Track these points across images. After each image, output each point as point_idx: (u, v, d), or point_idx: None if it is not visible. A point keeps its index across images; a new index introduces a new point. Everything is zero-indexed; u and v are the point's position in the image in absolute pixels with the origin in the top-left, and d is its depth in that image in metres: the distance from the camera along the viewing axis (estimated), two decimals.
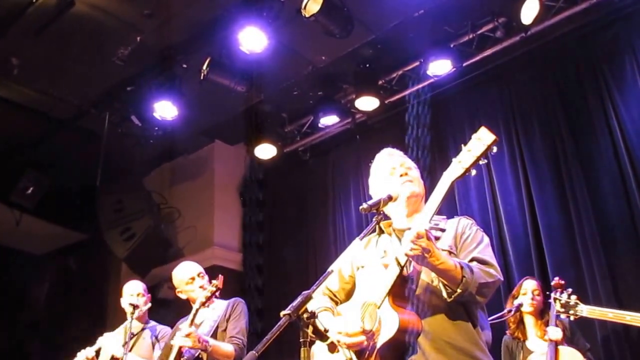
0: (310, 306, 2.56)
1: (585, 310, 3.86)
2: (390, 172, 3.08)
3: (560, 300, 3.97)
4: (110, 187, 7.48)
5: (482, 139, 2.63)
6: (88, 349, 4.75)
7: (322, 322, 2.80)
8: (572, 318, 3.93)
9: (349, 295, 3.04)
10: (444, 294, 2.67)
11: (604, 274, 5.49)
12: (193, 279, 4.59)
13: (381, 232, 3.01)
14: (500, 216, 6.21)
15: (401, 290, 2.71)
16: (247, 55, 6.19)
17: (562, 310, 3.93)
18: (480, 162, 2.63)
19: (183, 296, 4.62)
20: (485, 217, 6.28)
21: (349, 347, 2.67)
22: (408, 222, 2.93)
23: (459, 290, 2.61)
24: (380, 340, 2.62)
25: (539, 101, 6.35)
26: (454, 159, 2.68)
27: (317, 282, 2.68)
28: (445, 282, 2.65)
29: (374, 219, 2.93)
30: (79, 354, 4.73)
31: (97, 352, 4.74)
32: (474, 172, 2.66)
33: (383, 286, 2.68)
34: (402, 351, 2.64)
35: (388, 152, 3.24)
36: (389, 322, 2.61)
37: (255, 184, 8.32)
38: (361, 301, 2.83)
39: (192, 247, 8.17)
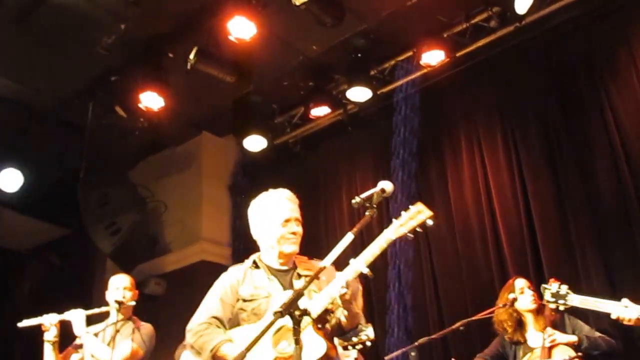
0: (213, 341, 2.97)
1: (577, 300, 3.75)
2: (284, 223, 3.21)
3: (549, 289, 3.85)
4: (95, 181, 7.31)
5: (421, 213, 3.01)
6: (53, 315, 4.73)
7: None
8: (561, 308, 3.83)
9: (230, 323, 3.17)
10: (337, 331, 3.06)
11: (598, 267, 5.49)
12: None
13: (256, 266, 3.27)
14: (495, 210, 6.15)
15: (321, 320, 2.97)
16: (235, 45, 6.05)
17: (552, 300, 3.83)
18: (418, 230, 3.00)
19: None
20: (479, 211, 6.24)
21: None
22: (280, 265, 3.26)
23: (349, 334, 3.19)
24: None
25: (534, 92, 6.29)
26: (395, 220, 3.00)
27: (308, 279, 2.77)
28: (347, 321, 3.00)
29: (366, 212, 2.92)
30: (43, 316, 4.74)
31: (63, 323, 4.76)
32: (410, 235, 3.01)
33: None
34: None
35: (288, 196, 3.32)
36: (314, 347, 2.86)
37: (245, 176, 8.18)
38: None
39: (179, 242, 8.03)
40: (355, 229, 2.92)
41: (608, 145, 5.66)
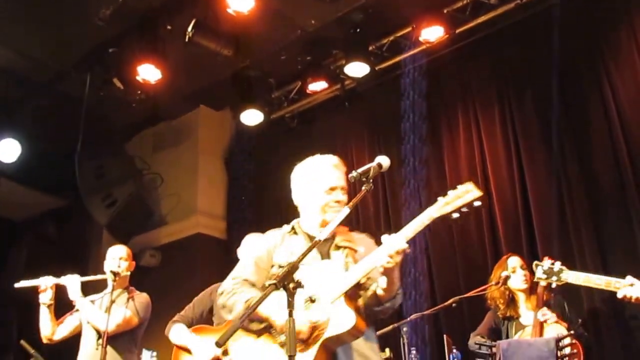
0: (244, 297, 2.89)
1: (572, 276, 3.71)
2: (328, 191, 3.10)
3: (541, 266, 3.83)
4: (91, 152, 7.29)
5: (469, 192, 2.84)
6: (49, 277, 4.81)
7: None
8: (554, 285, 3.80)
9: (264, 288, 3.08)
10: (374, 302, 2.94)
11: (592, 247, 5.47)
12: None
13: (294, 232, 3.18)
14: (491, 188, 6.14)
15: (353, 293, 2.90)
16: (234, 18, 6.02)
17: (544, 277, 3.80)
18: (464, 210, 2.85)
19: (240, 256, 4.65)
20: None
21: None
22: (319, 232, 3.04)
23: (387, 305, 2.93)
24: (329, 332, 2.78)
25: (533, 71, 6.25)
26: (440, 198, 2.86)
27: (304, 252, 2.70)
28: (384, 293, 2.89)
29: (363, 187, 2.89)
30: (39, 278, 4.82)
31: (59, 289, 4.83)
32: (456, 214, 2.86)
33: (339, 284, 2.84)
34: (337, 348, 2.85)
35: (335, 162, 3.22)
36: (343, 319, 2.79)
37: (241, 150, 8.17)
38: (302, 296, 2.91)
39: (175, 214, 8.06)
40: (351, 204, 2.92)
41: (606, 124, 5.62)
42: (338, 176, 3.15)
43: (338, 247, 3.09)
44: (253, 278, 3.06)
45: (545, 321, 4.55)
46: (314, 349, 2.78)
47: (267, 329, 2.93)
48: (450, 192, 2.85)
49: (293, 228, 3.19)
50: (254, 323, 2.95)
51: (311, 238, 3.11)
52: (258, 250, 3.16)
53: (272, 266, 3.08)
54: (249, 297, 2.93)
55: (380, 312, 3.00)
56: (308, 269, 2.94)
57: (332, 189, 3.10)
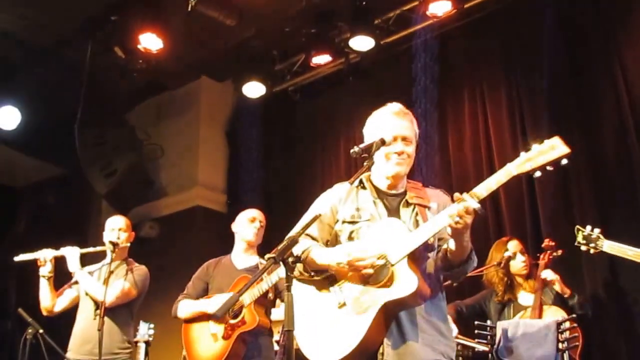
0: (298, 248, 2.70)
1: (607, 245, 3.86)
2: (389, 142, 2.90)
3: (583, 231, 3.94)
4: (92, 121, 7.22)
5: (555, 149, 2.66)
6: (48, 250, 4.81)
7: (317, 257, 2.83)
8: (591, 251, 3.95)
9: (329, 245, 2.98)
10: (443, 266, 2.84)
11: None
12: (254, 219, 4.73)
13: (362, 186, 3.02)
14: (495, 166, 6.06)
15: (419, 255, 2.77)
16: None
17: (584, 242, 3.94)
18: (548, 168, 2.66)
19: (235, 229, 4.80)
20: (479, 167, 6.17)
21: (358, 267, 2.70)
22: (388, 188, 2.99)
23: (458, 269, 2.81)
24: (390, 296, 2.66)
25: (541, 48, 6.11)
26: (522, 153, 2.68)
27: (303, 226, 2.67)
28: (453, 257, 2.78)
29: (364, 163, 2.84)
30: (38, 251, 4.82)
31: (58, 260, 4.85)
32: (538, 173, 2.69)
33: (403, 245, 2.70)
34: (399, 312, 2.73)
35: (395, 110, 3.01)
36: (404, 282, 2.65)
37: (242, 123, 8.10)
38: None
39: (175, 186, 8.03)
40: (352, 179, 2.88)
41: (616, 106, 5.53)
42: (400, 125, 2.96)
43: (408, 204, 2.94)
44: (314, 233, 2.96)
45: (550, 281, 4.66)
46: (372, 311, 2.67)
47: (328, 279, 2.86)
48: (535, 147, 2.65)
49: (361, 181, 3.01)
50: (316, 275, 2.89)
51: (378, 192, 3.00)
52: (321, 205, 2.97)
53: (337, 221, 2.98)
54: (303, 248, 2.84)
55: (451, 277, 2.90)
56: (374, 227, 2.87)
57: (393, 138, 2.91)
